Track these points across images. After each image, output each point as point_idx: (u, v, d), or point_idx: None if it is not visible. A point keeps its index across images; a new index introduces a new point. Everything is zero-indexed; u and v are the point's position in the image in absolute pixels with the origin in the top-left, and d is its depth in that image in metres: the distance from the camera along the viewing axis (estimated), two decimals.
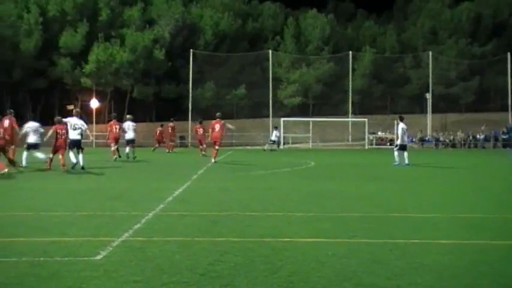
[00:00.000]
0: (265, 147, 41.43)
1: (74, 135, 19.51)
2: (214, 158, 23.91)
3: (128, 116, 29.20)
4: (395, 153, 23.38)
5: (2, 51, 51.05)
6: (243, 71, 61.65)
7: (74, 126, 19.56)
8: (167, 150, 35.35)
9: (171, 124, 37.65)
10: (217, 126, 24.09)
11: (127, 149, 26.39)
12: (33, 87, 55.60)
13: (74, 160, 19.11)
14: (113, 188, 14.31)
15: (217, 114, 24.97)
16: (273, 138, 42.39)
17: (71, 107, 58.53)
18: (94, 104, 51.16)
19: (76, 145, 19.49)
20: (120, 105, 57.89)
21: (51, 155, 19.18)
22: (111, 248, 7.00)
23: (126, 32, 57.29)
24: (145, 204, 10.96)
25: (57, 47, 54.82)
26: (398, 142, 23.64)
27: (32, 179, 16.71)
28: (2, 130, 18.68)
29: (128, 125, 27.38)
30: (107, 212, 10.14)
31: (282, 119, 49.57)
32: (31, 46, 52.83)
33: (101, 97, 55.02)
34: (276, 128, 44.29)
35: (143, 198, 12.22)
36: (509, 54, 57.76)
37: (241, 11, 66.83)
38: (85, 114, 51.37)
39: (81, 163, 19.09)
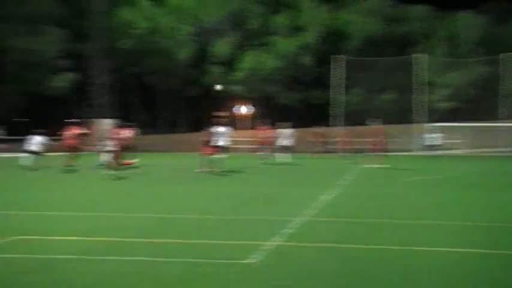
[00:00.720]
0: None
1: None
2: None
3: (281, 123, 29.83)
4: None
5: (159, 61, 54.19)
6: (391, 75, 60.50)
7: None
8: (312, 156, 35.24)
9: (317, 130, 37.49)
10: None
11: (278, 155, 26.87)
12: (187, 95, 58.39)
13: None
14: (262, 192, 14.72)
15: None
16: (432, 142, 41.32)
17: (220, 114, 60.87)
18: (243, 110, 52.68)
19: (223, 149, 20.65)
20: (267, 111, 59.12)
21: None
22: (262, 252, 7.25)
23: (274, 39, 58.45)
24: (293, 209, 11.18)
25: (208, 56, 57.17)
26: None
27: (191, 183, 17.64)
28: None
29: (282, 132, 28.05)
30: (256, 216, 10.49)
31: (431, 124, 48.03)
32: (185, 56, 55.53)
33: (249, 103, 56.58)
34: (431, 132, 43.04)
35: (291, 203, 12.48)
36: None
37: (388, 15, 65.71)
38: (234, 121, 53.29)
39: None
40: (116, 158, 19.58)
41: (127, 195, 14.44)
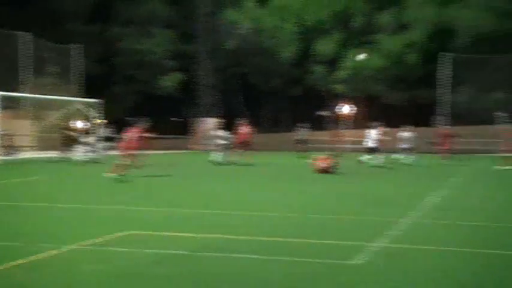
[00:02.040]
0: None
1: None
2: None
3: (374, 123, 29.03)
4: None
5: (262, 60, 54.69)
6: (503, 73, 57.84)
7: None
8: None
9: (446, 131, 35.26)
10: None
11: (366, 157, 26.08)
12: (290, 94, 58.52)
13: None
14: (367, 193, 14.41)
15: None
16: None
17: (322, 113, 60.55)
18: (346, 109, 52.04)
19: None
20: (372, 111, 58.18)
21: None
22: (366, 253, 7.03)
23: (379, 37, 57.43)
24: (399, 210, 10.86)
25: (312, 55, 57.01)
26: None
27: (299, 181, 17.62)
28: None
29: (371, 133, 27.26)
30: (360, 216, 10.26)
31: None
32: (289, 55, 55.67)
33: (353, 103, 55.88)
34: None
35: (396, 203, 12.12)
36: None
37: (502, 9, 62.79)
38: (337, 121, 52.82)
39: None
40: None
41: (240, 193, 14.58)
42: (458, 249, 7.39)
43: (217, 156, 25.33)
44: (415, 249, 7.39)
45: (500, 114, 30.00)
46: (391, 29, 58.36)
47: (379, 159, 25.14)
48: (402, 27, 58.80)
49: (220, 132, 26.09)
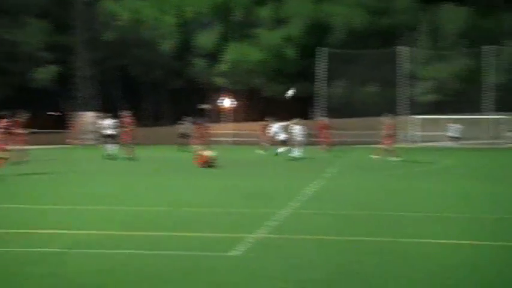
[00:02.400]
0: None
1: None
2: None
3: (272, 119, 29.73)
4: None
5: (142, 52, 53.87)
6: (375, 68, 60.66)
7: None
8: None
9: (324, 123, 36.26)
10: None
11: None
12: (172, 87, 58.12)
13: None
14: (246, 186, 14.63)
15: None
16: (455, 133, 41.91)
17: (204, 107, 60.66)
18: (227, 103, 52.45)
19: None
20: (252, 104, 59.02)
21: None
22: (245, 245, 7.18)
23: (258, 31, 58.32)
24: (278, 201, 11.13)
25: (192, 48, 56.90)
26: None
27: (176, 175, 17.54)
28: None
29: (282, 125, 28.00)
30: (240, 209, 10.41)
31: (415, 116, 48.24)
32: (169, 47, 55.24)
33: (233, 96, 56.41)
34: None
35: (276, 195, 12.39)
36: None
37: (373, 7, 65.72)
38: (218, 114, 53.08)
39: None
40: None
41: (120, 187, 14.29)
42: (334, 238, 7.71)
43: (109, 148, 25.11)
44: (292, 239, 7.63)
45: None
46: (270, 23, 59.45)
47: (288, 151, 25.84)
48: (281, 21, 60.07)
49: (109, 124, 25.61)
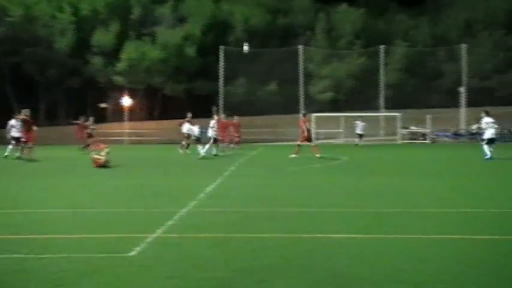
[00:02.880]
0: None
1: None
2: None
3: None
4: (485, 147, 23.26)
5: (37, 50, 51.91)
6: (275, 67, 61.55)
7: None
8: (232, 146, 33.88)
9: (228, 121, 36.18)
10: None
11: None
12: (68, 85, 56.37)
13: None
14: (147, 185, 14.40)
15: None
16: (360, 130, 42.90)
17: (103, 105, 59.28)
18: (126, 102, 51.46)
19: None
20: (152, 103, 58.36)
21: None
22: (144, 245, 7.05)
23: (157, 30, 57.69)
24: (179, 201, 11.00)
25: (90, 46, 55.46)
26: (486, 136, 23.58)
27: (75, 175, 16.97)
28: None
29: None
30: (140, 208, 10.22)
31: (314, 114, 49.26)
32: (65, 45, 53.55)
33: (133, 95, 55.46)
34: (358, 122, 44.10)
35: (177, 194, 12.26)
36: None
37: (272, 7, 66.68)
38: (118, 112, 52.02)
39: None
40: None
41: (21, 190, 13.59)
42: (234, 235, 7.69)
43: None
44: (192, 238, 7.55)
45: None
46: (169, 21, 58.94)
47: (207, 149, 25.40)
48: (180, 20, 59.74)
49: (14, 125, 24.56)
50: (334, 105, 60.99)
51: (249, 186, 13.89)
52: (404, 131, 51.77)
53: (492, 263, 6.17)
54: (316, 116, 49.29)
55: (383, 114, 55.27)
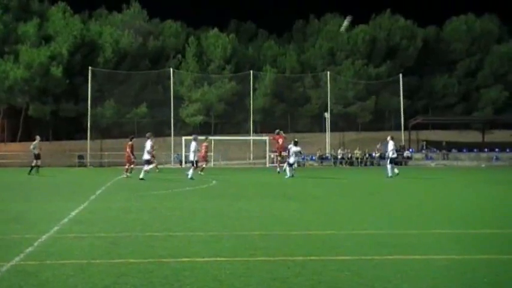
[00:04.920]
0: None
1: None
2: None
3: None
4: (388, 166, 28.06)
5: None
6: (145, 89, 61.03)
7: None
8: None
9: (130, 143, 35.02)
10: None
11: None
12: None
13: None
14: (6, 210, 13.61)
15: None
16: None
17: None
18: None
19: None
20: (14, 123, 55.62)
21: None
22: (1, 273, 6.62)
23: (20, 48, 55.28)
24: (40, 226, 10.48)
25: None
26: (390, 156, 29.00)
27: None
28: None
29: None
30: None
31: (184, 137, 49.23)
32: None
33: None
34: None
35: (38, 220, 11.67)
36: (401, 75, 60.58)
37: (142, 29, 66.16)
38: None
39: None
40: None
41: None
42: (97, 261, 7.43)
43: None
44: (52, 265, 7.20)
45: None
46: (34, 40, 56.76)
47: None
48: (45, 39, 57.70)
49: None
50: (205, 129, 61.34)
51: (115, 210, 13.54)
52: (273, 155, 52.92)
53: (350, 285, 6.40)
54: (187, 139, 49.22)
55: (252, 138, 56.31)
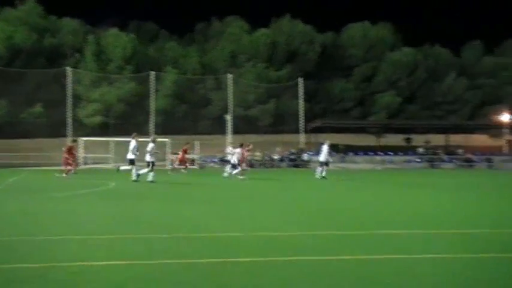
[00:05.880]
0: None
1: None
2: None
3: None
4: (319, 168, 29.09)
5: None
6: (40, 88, 58.82)
7: None
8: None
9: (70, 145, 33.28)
10: None
11: None
12: None
13: None
14: None
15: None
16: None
17: None
18: None
19: None
20: None
21: None
22: None
23: None
24: None
25: None
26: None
27: None
28: None
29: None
30: None
31: (82, 138, 47.87)
32: None
33: None
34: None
35: None
36: (300, 79, 61.83)
37: (38, 25, 63.78)
38: None
39: None
40: None
41: None
42: None
43: None
44: None
45: None
46: None
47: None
48: None
49: None
50: (103, 130, 59.96)
51: (11, 213, 12.92)
52: (174, 157, 52.48)
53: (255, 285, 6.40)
54: (85, 140, 47.98)
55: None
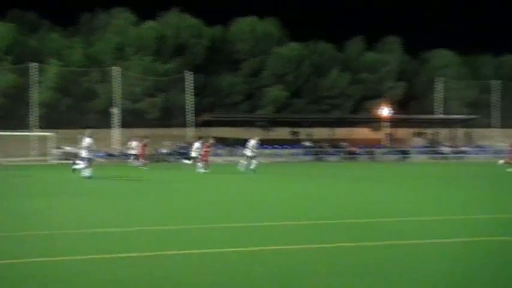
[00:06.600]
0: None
1: None
2: None
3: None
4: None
5: None
6: None
7: None
8: None
9: None
10: None
11: None
12: None
13: None
14: None
15: None
16: None
17: None
18: None
19: None
20: None
21: None
22: None
23: None
24: None
25: None
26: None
27: None
28: None
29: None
30: None
31: None
32: None
33: None
34: None
35: None
36: (188, 73, 61.54)
37: None
38: None
39: None
40: None
41: None
42: None
43: None
44: None
45: None
46: None
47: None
48: None
49: None
50: None
51: None
52: (58, 151, 50.71)
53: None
54: None
55: (34, 133, 53.42)
